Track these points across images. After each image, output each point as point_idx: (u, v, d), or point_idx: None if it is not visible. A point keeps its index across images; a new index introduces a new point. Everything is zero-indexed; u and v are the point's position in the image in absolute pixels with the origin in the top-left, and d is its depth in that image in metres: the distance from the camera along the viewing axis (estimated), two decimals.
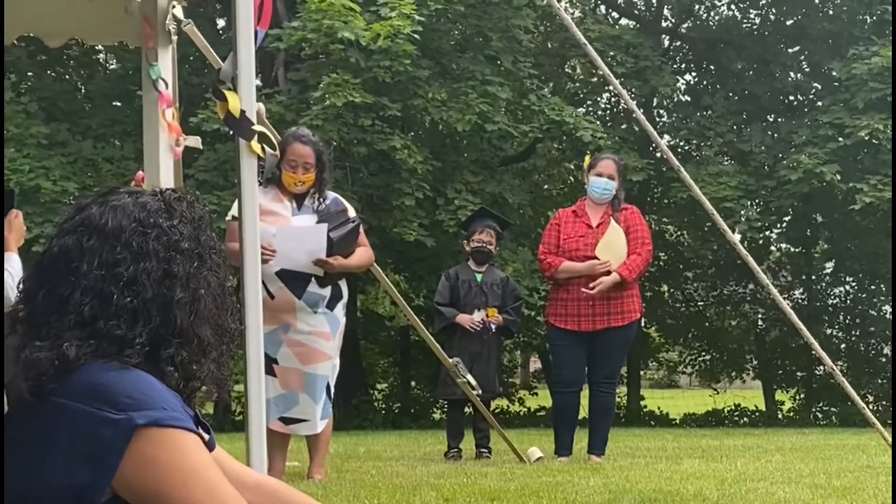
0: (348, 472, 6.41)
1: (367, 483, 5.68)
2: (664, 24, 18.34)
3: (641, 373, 19.78)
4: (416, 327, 7.36)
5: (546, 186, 17.69)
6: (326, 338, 5.89)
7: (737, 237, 7.45)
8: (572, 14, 16.53)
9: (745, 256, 7.24)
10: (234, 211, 5.65)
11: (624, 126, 16.17)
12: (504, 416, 15.57)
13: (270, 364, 5.67)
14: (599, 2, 18.54)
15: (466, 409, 8.06)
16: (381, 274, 6.78)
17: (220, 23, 16.10)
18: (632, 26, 17.64)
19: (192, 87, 13.50)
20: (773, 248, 18.27)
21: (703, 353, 19.55)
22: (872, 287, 17.16)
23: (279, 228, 5.77)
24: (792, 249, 18.22)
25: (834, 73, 15.04)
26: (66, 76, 16.31)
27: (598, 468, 6.45)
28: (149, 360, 1.78)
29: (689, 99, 17.97)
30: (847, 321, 17.91)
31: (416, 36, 12.79)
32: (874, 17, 15.55)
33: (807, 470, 6.35)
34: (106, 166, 13.61)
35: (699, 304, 18.88)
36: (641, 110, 9.24)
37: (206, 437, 1.81)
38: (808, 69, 17.33)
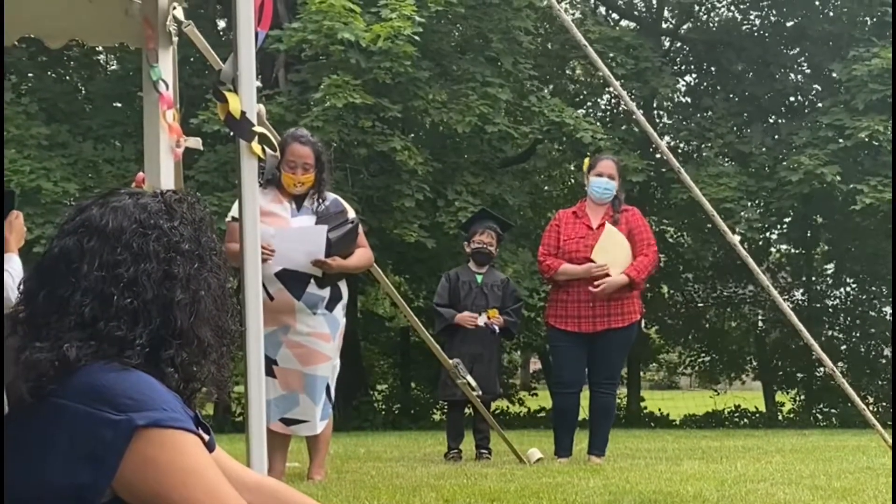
0: (348, 473, 6.41)
1: (367, 484, 5.68)
2: (664, 26, 18.34)
3: (641, 374, 19.78)
4: (417, 328, 7.36)
5: (546, 188, 17.70)
6: (326, 339, 5.89)
7: (736, 238, 7.45)
8: (572, 15, 16.54)
9: (745, 257, 7.24)
10: (234, 212, 5.66)
11: (624, 127, 16.18)
12: (504, 417, 15.57)
13: (270, 365, 5.68)
14: (599, 3, 18.54)
15: (466, 410, 8.07)
16: (382, 275, 6.78)
17: (221, 24, 16.11)
18: (632, 28, 17.64)
19: (193, 89, 13.50)
20: (773, 249, 18.27)
21: (704, 355, 19.55)
22: (873, 288, 17.16)
23: (278, 229, 5.78)
24: (792, 251, 18.23)
25: (834, 75, 15.04)
26: (67, 77, 16.32)
27: (597, 469, 6.45)
28: (149, 362, 1.78)
29: (689, 100, 17.98)
30: (847, 322, 17.91)
31: (416, 37, 12.80)
32: (874, 19, 15.55)
33: (807, 471, 6.35)
34: (106, 167, 13.62)
35: (699, 305, 18.88)
36: (641, 111, 9.24)
37: (206, 437, 1.81)
38: (808, 70, 17.34)
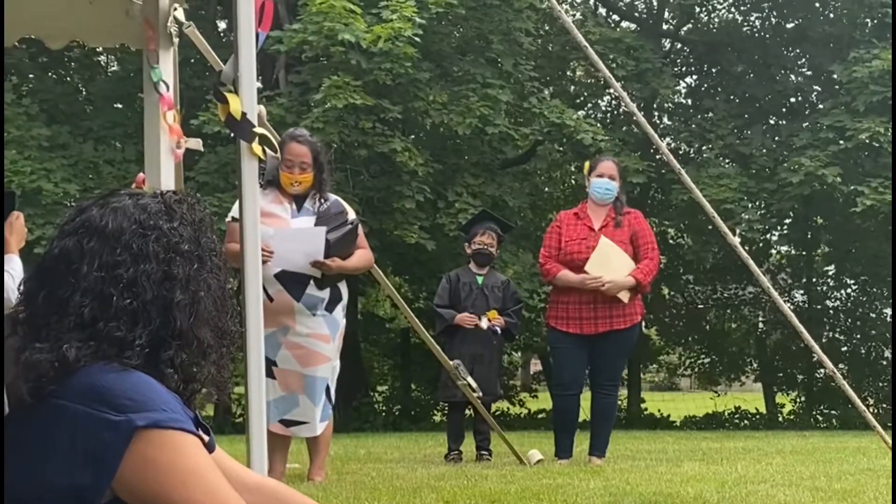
0: (349, 474, 6.41)
1: (367, 485, 5.68)
2: (664, 27, 18.34)
3: (642, 375, 19.78)
4: (417, 329, 7.36)
5: (547, 189, 17.69)
6: (326, 340, 5.89)
7: (737, 240, 7.45)
8: (573, 17, 16.53)
9: (745, 259, 7.24)
10: (234, 212, 5.66)
11: (624, 128, 16.18)
12: (504, 419, 15.57)
13: (270, 366, 5.67)
14: (600, 4, 18.54)
15: (467, 412, 8.07)
16: (382, 276, 6.78)
17: (222, 25, 16.11)
18: (632, 29, 17.64)
19: (193, 90, 13.50)
20: (773, 250, 18.27)
21: (704, 356, 19.55)
22: (874, 290, 17.15)
23: (276, 230, 5.78)
24: (792, 252, 18.22)
25: (835, 76, 15.04)
26: (68, 78, 16.33)
27: (598, 470, 6.45)
28: (148, 362, 1.78)
29: (689, 102, 17.98)
30: (848, 324, 17.91)
31: (416, 39, 12.80)
32: (875, 21, 15.55)
33: (807, 473, 6.35)
34: (107, 168, 13.62)
35: (699, 306, 18.87)
36: (642, 113, 9.24)
37: (206, 438, 1.81)
38: (808, 72, 17.33)
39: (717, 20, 18.44)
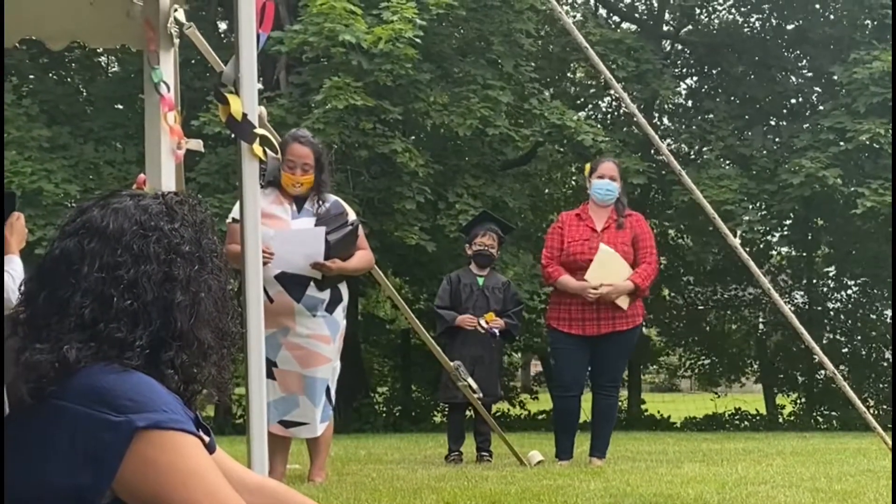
0: (349, 476, 6.41)
1: (367, 486, 5.68)
2: (665, 29, 18.34)
3: (642, 376, 19.78)
4: (418, 330, 7.36)
5: (547, 190, 17.69)
6: (326, 341, 5.89)
7: (737, 241, 7.45)
8: (573, 18, 16.53)
9: (745, 260, 7.23)
10: (234, 213, 5.66)
11: (625, 129, 16.18)
12: (505, 420, 15.57)
13: (270, 367, 5.67)
14: (600, 5, 18.54)
15: (467, 413, 8.06)
16: (383, 277, 6.78)
17: (222, 26, 16.11)
18: (633, 30, 17.64)
19: (194, 91, 13.51)
20: (773, 251, 18.26)
21: (704, 357, 19.55)
22: (874, 291, 17.15)
23: (277, 231, 5.78)
24: (793, 253, 18.22)
25: (835, 78, 15.04)
26: (68, 79, 16.33)
27: (598, 472, 6.45)
28: (149, 363, 1.78)
29: (690, 103, 17.98)
30: (848, 325, 17.90)
31: (417, 40, 12.80)
32: (875, 22, 15.54)
33: (807, 474, 6.35)
34: (108, 169, 13.62)
35: (700, 307, 18.87)
36: (642, 114, 9.23)
37: (207, 439, 1.81)
38: (809, 73, 17.34)
39: (717, 21, 18.44)
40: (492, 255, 7.94)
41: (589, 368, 7.39)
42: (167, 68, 4.00)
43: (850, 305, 17.99)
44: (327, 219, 5.94)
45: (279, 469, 5.81)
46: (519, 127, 14.67)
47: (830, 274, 18.10)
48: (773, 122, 17.17)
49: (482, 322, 7.69)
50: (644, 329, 16.46)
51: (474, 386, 7.13)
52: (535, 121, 14.56)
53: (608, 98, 17.71)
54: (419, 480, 5.96)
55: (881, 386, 16.81)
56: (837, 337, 17.79)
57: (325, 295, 5.87)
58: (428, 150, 14.16)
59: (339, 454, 8.35)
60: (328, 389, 5.96)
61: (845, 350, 17.60)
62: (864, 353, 17.58)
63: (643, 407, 17.59)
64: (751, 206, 15.07)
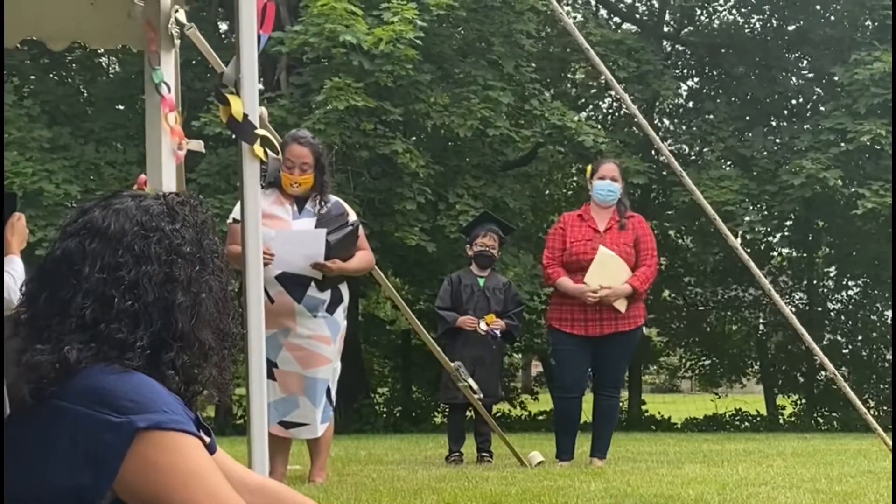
0: (349, 476, 6.41)
1: (368, 486, 5.68)
2: (665, 30, 18.34)
3: (642, 377, 19.77)
4: (418, 331, 7.36)
5: (548, 191, 17.69)
6: (326, 342, 5.89)
7: (738, 242, 7.45)
8: (574, 18, 16.53)
9: (746, 261, 7.23)
10: (235, 213, 5.67)
11: (626, 130, 16.18)
12: (505, 420, 15.57)
13: (270, 368, 5.67)
14: (601, 6, 18.55)
15: (468, 413, 8.06)
16: (383, 277, 6.78)
17: (223, 27, 16.11)
18: (633, 31, 17.64)
19: (195, 91, 13.51)
20: (774, 252, 18.26)
21: (705, 358, 19.54)
22: (875, 292, 17.14)
23: (277, 232, 5.78)
24: (794, 254, 18.21)
25: (836, 78, 15.04)
26: (69, 80, 16.33)
27: (599, 472, 6.45)
28: (150, 364, 1.78)
29: (690, 104, 17.97)
30: (849, 326, 17.90)
31: (417, 41, 12.81)
32: (876, 23, 15.53)
33: (808, 475, 6.35)
34: (108, 170, 13.63)
35: (700, 308, 18.87)
36: (643, 115, 9.24)
37: (208, 439, 1.81)
38: (809, 74, 17.33)
39: (717, 22, 18.44)
40: (493, 256, 7.94)
41: (590, 369, 7.39)
42: (168, 69, 4.00)
43: (850, 306, 17.98)
44: (328, 219, 5.94)
45: (280, 470, 5.82)
46: (519, 128, 14.67)
47: (831, 275, 18.10)
48: (773, 123, 17.17)
49: (482, 324, 7.69)
50: (644, 330, 16.47)
51: (475, 386, 7.13)
52: (535, 121, 14.56)
53: (609, 99, 17.72)
54: (420, 481, 5.96)
55: (882, 387, 16.79)
56: (838, 338, 17.78)
57: (326, 295, 5.87)
58: (428, 151, 14.16)
59: (339, 455, 8.35)
60: (329, 390, 5.96)
61: (846, 351, 17.60)
62: (864, 354, 17.58)
63: (644, 408, 17.59)
64: (751, 207, 15.06)
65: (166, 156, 3.94)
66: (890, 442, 7.29)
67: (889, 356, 16.57)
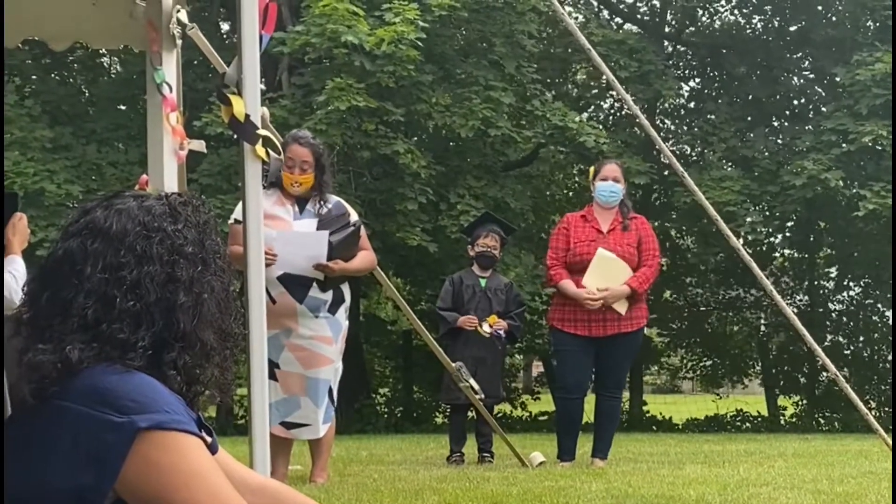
0: (351, 476, 6.41)
1: (369, 487, 5.69)
2: (667, 30, 18.34)
3: (644, 378, 19.77)
4: (419, 331, 7.36)
5: (547, 193, 17.69)
6: (328, 342, 5.89)
7: (739, 242, 7.45)
8: (576, 19, 16.53)
9: (748, 261, 7.23)
10: (236, 214, 5.67)
11: (627, 130, 16.18)
12: (506, 421, 15.57)
13: (272, 368, 5.67)
14: (602, 7, 18.55)
15: (469, 414, 8.06)
16: (384, 278, 6.78)
17: (225, 27, 16.12)
18: (635, 31, 17.64)
19: (197, 91, 13.51)
20: (776, 253, 18.26)
21: (706, 359, 19.54)
22: (877, 293, 17.14)
23: (279, 232, 5.78)
24: (795, 255, 18.21)
25: (837, 79, 15.03)
26: (71, 80, 16.34)
27: (600, 473, 6.45)
28: (151, 364, 1.78)
29: (692, 104, 17.97)
30: (850, 327, 17.89)
31: (419, 42, 12.81)
32: (878, 23, 15.53)
33: (809, 476, 6.35)
34: (110, 170, 13.63)
35: (702, 309, 18.87)
36: (644, 115, 9.24)
37: (209, 439, 1.81)
38: (811, 75, 17.33)
39: (719, 22, 18.44)
40: (494, 257, 7.93)
41: (593, 370, 7.38)
42: (170, 69, 4.00)
43: (852, 307, 17.98)
44: (329, 219, 5.94)
45: (281, 470, 5.82)
46: (521, 128, 14.68)
47: (832, 276, 18.09)
48: (775, 124, 17.16)
49: (485, 326, 7.69)
50: (645, 330, 16.46)
51: (476, 387, 7.12)
52: (537, 122, 14.56)
53: (610, 99, 17.72)
54: (421, 481, 5.96)
55: (883, 388, 16.79)
56: (839, 339, 17.77)
57: (328, 296, 5.87)
58: (430, 152, 14.16)
59: (340, 455, 8.35)
60: (330, 390, 5.96)
61: (847, 352, 17.60)
62: (865, 354, 17.58)
63: (645, 408, 17.59)
64: (753, 208, 15.06)
65: (168, 156, 3.94)
66: (890, 441, 7.28)
67: (890, 357, 16.56)
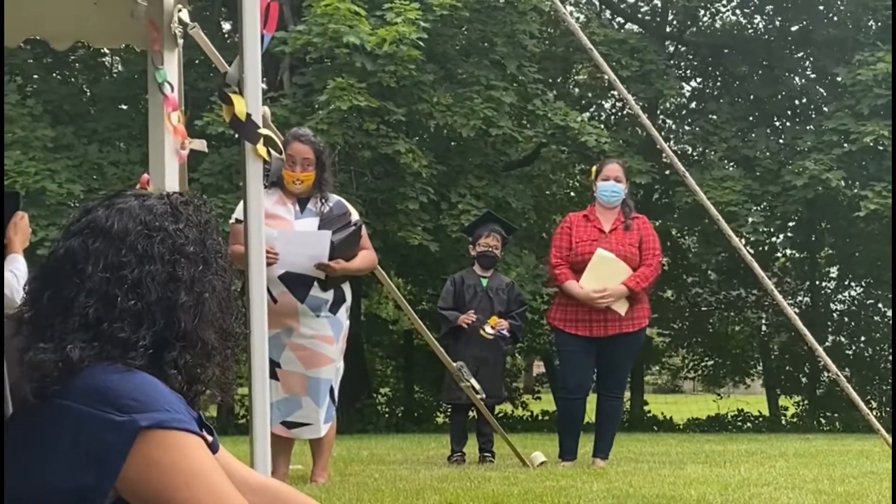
0: (352, 476, 6.41)
1: (370, 487, 5.69)
2: (668, 30, 18.34)
3: (645, 378, 19.77)
4: (420, 331, 7.36)
5: (550, 192, 17.69)
6: (329, 341, 5.89)
7: (741, 242, 7.45)
8: (577, 19, 16.53)
9: (749, 261, 7.23)
10: (237, 213, 5.67)
11: (629, 130, 16.18)
12: (507, 421, 15.56)
13: (273, 368, 5.66)
14: (604, 6, 18.54)
15: (470, 414, 8.06)
16: (386, 277, 6.78)
17: (226, 26, 16.12)
18: (636, 31, 17.63)
19: (198, 91, 13.51)
20: (778, 253, 18.26)
21: (707, 359, 19.53)
22: (878, 293, 17.13)
23: (280, 232, 5.78)
24: (797, 255, 18.20)
25: (839, 79, 15.03)
26: (72, 79, 16.34)
27: (601, 473, 6.45)
28: (152, 363, 1.78)
29: (693, 104, 17.96)
30: (851, 327, 17.89)
31: (420, 42, 12.81)
32: (879, 23, 15.52)
33: (810, 476, 6.34)
34: (111, 170, 13.64)
35: (703, 308, 18.86)
36: (646, 115, 9.23)
37: (210, 439, 1.81)
38: (813, 75, 17.32)
39: (720, 22, 18.43)
40: (495, 256, 7.93)
41: (595, 371, 7.38)
42: (171, 68, 4.00)
43: (853, 307, 17.97)
44: (330, 219, 5.94)
45: (282, 469, 5.82)
46: (522, 128, 14.67)
47: (834, 276, 18.08)
48: (776, 124, 17.16)
49: (487, 328, 7.68)
50: (646, 330, 16.44)
51: (477, 387, 7.12)
52: (538, 122, 14.56)
53: (612, 99, 17.71)
54: (422, 481, 5.96)
55: (884, 388, 16.78)
56: (841, 339, 17.77)
57: (329, 295, 5.87)
58: (431, 151, 14.16)
59: (341, 455, 8.35)
60: (331, 390, 5.96)
61: (848, 352, 17.59)
62: (867, 355, 17.58)
63: (646, 408, 17.59)
64: (754, 208, 15.06)
65: (169, 155, 3.94)
66: (890, 440, 7.28)
67: (891, 357, 16.56)
